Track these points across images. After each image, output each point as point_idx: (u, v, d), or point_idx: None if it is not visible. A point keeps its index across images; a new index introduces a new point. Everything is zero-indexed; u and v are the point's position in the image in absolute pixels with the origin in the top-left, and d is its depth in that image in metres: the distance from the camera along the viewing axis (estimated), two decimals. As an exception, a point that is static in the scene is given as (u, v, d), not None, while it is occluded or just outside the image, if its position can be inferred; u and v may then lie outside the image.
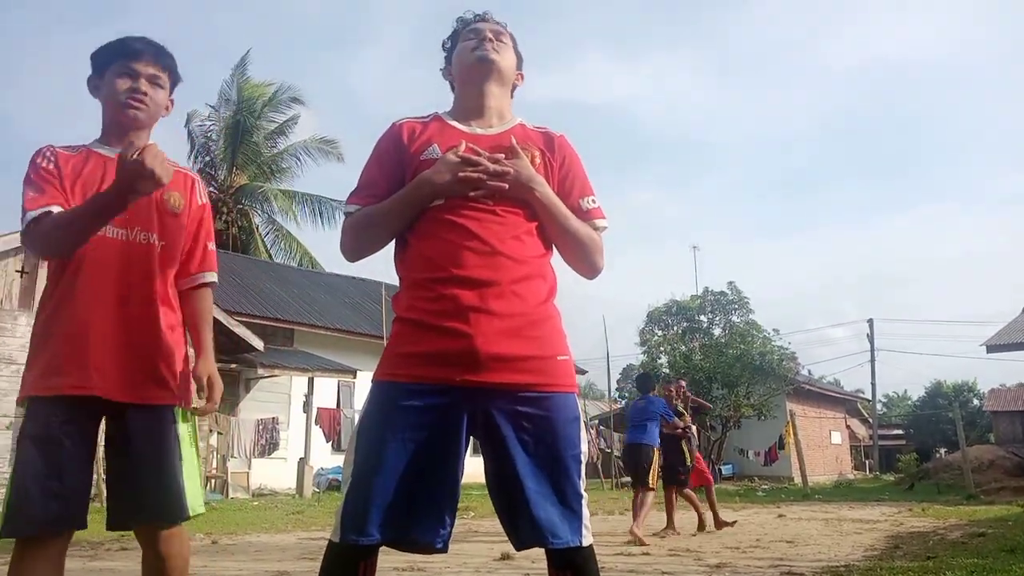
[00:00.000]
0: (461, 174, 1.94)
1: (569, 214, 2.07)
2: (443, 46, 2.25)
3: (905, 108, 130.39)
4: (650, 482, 8.08)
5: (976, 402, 47.81)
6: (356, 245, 2.08)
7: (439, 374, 1.87)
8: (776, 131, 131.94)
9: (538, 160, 2.09)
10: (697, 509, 8.85)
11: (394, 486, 1.84)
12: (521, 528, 1.91)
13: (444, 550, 1.92)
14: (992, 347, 18.18)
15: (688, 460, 8.81)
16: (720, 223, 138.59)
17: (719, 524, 8.70)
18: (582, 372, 31.68)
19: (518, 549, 1.96)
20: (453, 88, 2.24)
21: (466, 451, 1.95)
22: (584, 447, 2.00)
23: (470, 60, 2.14)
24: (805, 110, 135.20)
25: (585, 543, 1.93)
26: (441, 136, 2.07)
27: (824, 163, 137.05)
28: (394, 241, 2.08)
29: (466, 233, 1.93)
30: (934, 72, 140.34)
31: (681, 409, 9.12)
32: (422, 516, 1.88)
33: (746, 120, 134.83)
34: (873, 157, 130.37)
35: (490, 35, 2.15)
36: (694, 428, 9.57)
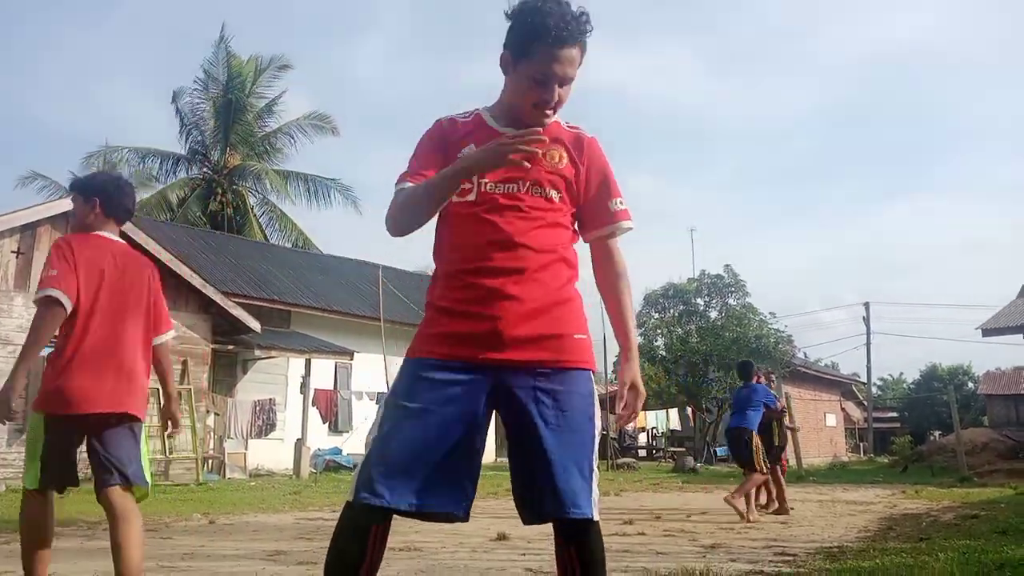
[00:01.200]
0: (504, 147, 1.93)
1: (631, 325, 2.28)
2: (507, 16, 2.10)
3: (906, 96, 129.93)
4: (758, 466, 8.40)
5: (971, 385, 48.02)
6: (401, 218, 2.11)
7: (464, 352, 2.01)
8: (777, 117, 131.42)
9: (565, 161, 2.15)
10: (781, 489, 9.12)
11: (413, 453, 1.94)
12: (543, 499, 1.97)
13: (466, 519, 2.02)
14: (988, 331, 18.26)
15: (778, 440, 9.38)
16: (719, 207, 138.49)
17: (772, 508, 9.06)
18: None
19: (534, 522, 2.02)
20: (505, 73, 2.16)
21: (488, 427, 2.09)
22: (599, 423, 2.09)
23: (527, 109, 2.12)
24: (807, 97, 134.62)
25: (596, 517, 1.99)
26: (478, 136, 2.14)
27: (825, 150, 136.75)
28: (433, 237, 2.21)
29: (492, 228, 2.05)
30: (935, 60, 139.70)
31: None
32: (443, 485, 1.97)
33: (748, 105, 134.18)
34: (873, 144, 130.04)
35: (560, 95, 2.10)
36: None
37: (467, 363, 2.00)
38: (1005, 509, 8.48)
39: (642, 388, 2.18)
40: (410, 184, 2.10)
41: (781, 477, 9.15)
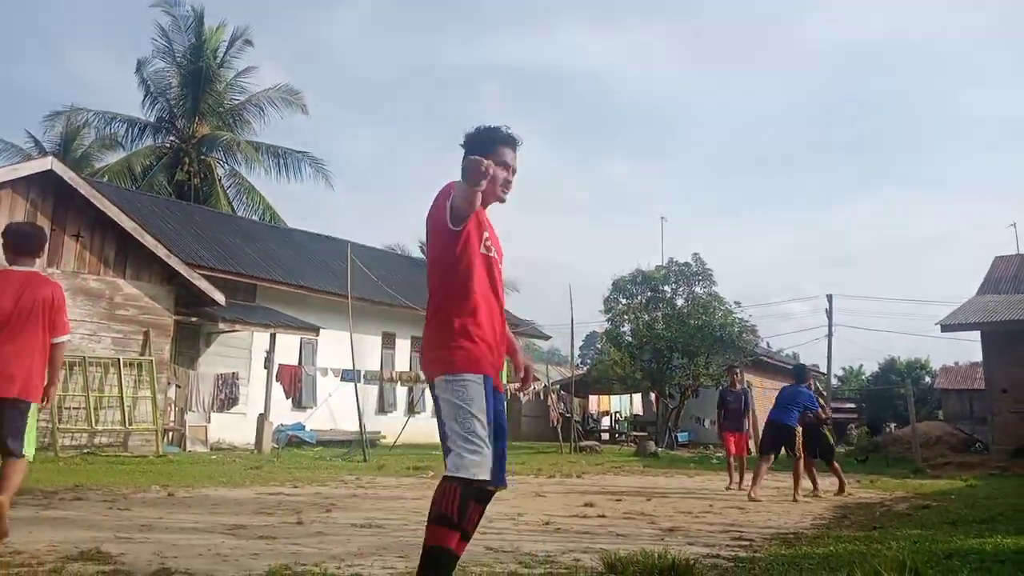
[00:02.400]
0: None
1: None
2: (477, 132, 3.25)
3: (878, 89, 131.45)
4: (796, 452, 9.39)
5: (928, 379, 48.97)
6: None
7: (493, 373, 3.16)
8: (749, 107, 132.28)
9: None
10: (840, 478, 10.26)
11: (502, 448, 3.05)
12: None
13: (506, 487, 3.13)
14: (946, 326, 18.60)
15: (828, 440, 10.70)
16: (689, 196, 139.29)
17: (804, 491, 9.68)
18: (546, 338, 31.86)
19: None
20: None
21: None
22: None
23: (496, 188, 3.19)
24: (779, 88, 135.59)
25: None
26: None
27: (793, 141, 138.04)
28: (453, 279, 3.11)
29: (499, 307, 3.27)
30: (906, 56, 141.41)
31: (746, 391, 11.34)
32: (503, 465, 3.04)
33: (720, 95, 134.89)
34: (842, 138, 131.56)
35: (512, 178, 3.27)
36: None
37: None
38: (956, 501, 8.70)
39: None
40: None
41: (806, 471, 9.83)
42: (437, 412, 3.01)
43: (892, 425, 35.73)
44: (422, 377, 20.45)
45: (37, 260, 4.91)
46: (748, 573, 3.87)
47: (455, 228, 3.04)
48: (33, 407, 4.62)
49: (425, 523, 2.87)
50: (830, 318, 31.77)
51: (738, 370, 13.74)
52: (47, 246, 6.04)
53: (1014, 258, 22.95)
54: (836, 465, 10.50)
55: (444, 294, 3.10)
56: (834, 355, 28.15)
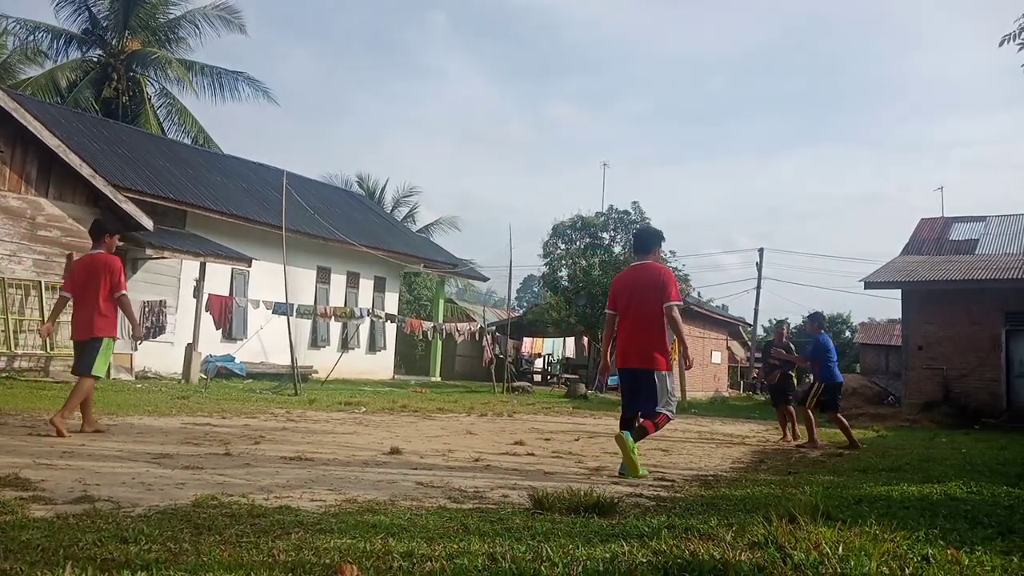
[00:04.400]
0: None
1: None
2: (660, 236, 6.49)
3: (823, 47, 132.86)
4: (807, 404, 9.89)
5: (848, 334, 50.96)
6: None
7: None
8: (696, 56, 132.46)
9: None
10: (809, 425, 9.91)
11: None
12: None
13: None
14: (870, 284, 19.24)
15: (795, 385, 11.25)
16: (632, 143, 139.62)
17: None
18: (484, 279, 31.90)
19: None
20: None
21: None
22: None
23: None
24: (727, 38, 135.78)
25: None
26: None
27: (737, 94, 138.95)
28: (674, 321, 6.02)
29: None
30: (854, 15, 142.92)
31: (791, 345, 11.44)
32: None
33: (668, 43, 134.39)
34: (785, 91, 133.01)
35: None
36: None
37: None
38: (867, 450, 9.13)
39: None
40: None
41: (807, 412, 10.02)
42: (653, 385, 5.86)
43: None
44: (356, 313, 20.26)
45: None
46: (668, 512, 4.00)
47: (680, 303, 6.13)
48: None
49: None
50: (760, 271, 32.62)
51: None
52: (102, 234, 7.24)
53: (939, 220, 23.80)
54: (791, 410, 10.69)
55: (664, 322, 5.96)
56: (762, 307, 28.94)
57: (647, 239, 6.26)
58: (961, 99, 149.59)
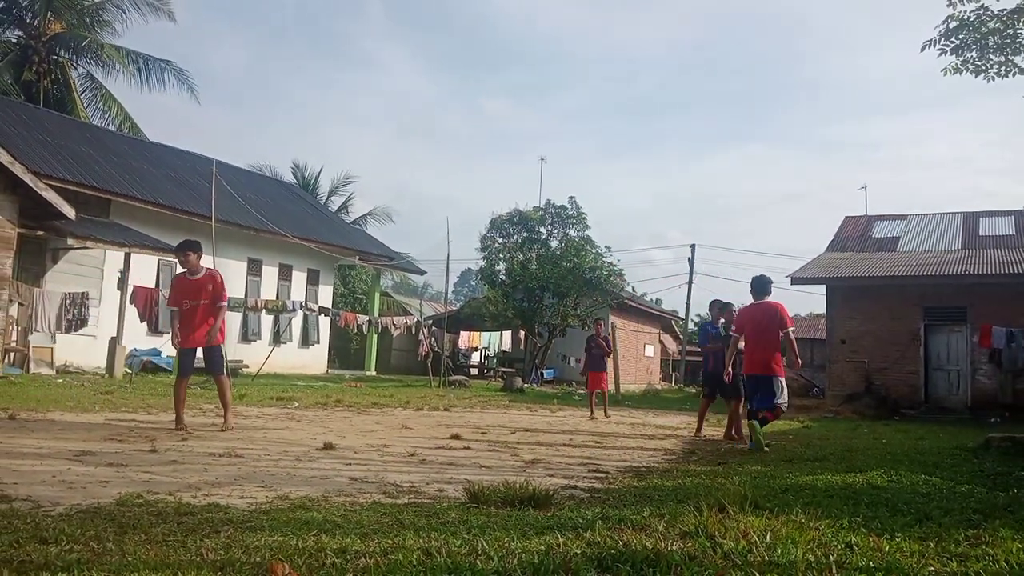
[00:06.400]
0: None
1: None
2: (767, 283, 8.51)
3: (754, 46, 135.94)
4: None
5: (774, 328, 52.33)
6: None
7: None
8: (631, 52, 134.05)
9: None
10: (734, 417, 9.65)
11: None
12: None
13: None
14: (796, 279, 19.80)
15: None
16: (567, 138, 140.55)
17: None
18: (421, 272, 31.71)
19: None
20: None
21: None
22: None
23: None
24: (663, 36, 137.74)
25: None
26: None
27: (671, 90, 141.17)
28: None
29: None
30: (786, 15, 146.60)
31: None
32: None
33: (604, 37, 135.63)
34: (716, 89, 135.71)
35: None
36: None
37: None
38: (792, 440, 9.40)
39: None
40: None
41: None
42: (771, 386, 7.86)
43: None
44: (288, 306, 19.92)
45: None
46: (602, 503, 4.05)
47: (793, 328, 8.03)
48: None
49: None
50: (692, 267, 33.24)
51: (602, 321, 14.84)
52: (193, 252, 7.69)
53: (862, 219, 24.63)
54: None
55: (778, 343, 7.91)
56: (693, 302, 29.52)
57: (766, 284, 8.36)
58: (883, 100, 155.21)
